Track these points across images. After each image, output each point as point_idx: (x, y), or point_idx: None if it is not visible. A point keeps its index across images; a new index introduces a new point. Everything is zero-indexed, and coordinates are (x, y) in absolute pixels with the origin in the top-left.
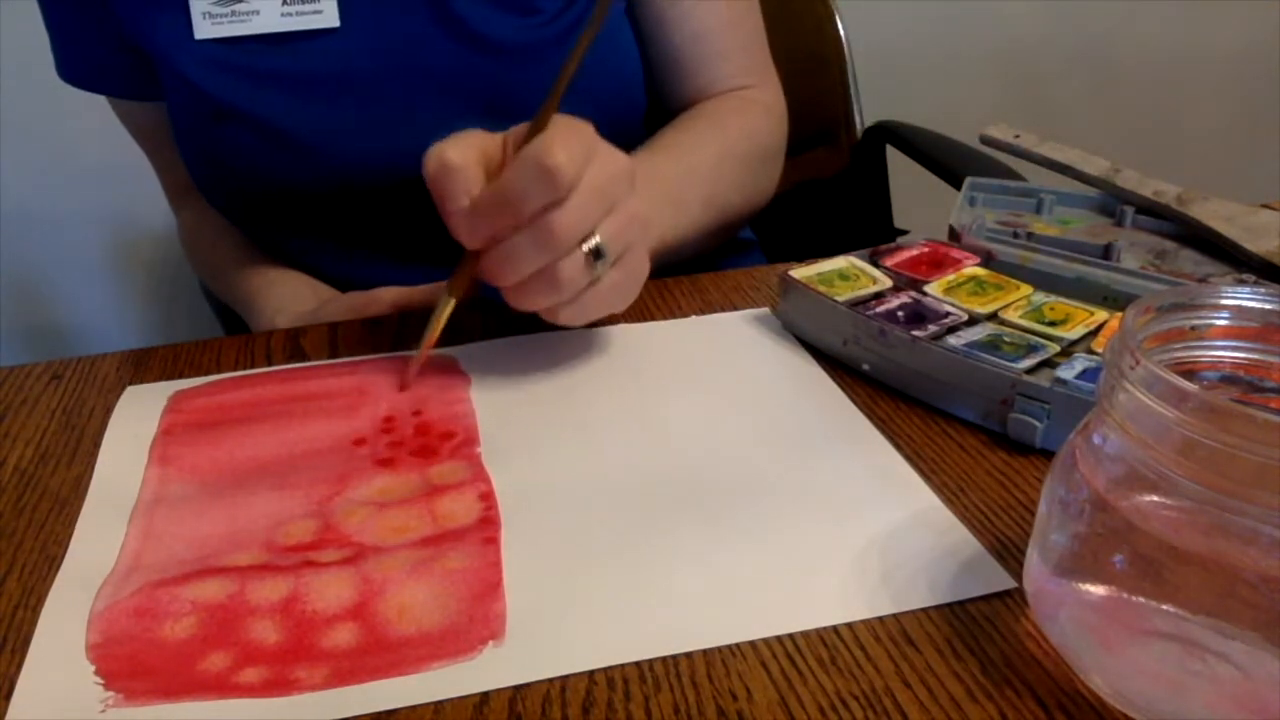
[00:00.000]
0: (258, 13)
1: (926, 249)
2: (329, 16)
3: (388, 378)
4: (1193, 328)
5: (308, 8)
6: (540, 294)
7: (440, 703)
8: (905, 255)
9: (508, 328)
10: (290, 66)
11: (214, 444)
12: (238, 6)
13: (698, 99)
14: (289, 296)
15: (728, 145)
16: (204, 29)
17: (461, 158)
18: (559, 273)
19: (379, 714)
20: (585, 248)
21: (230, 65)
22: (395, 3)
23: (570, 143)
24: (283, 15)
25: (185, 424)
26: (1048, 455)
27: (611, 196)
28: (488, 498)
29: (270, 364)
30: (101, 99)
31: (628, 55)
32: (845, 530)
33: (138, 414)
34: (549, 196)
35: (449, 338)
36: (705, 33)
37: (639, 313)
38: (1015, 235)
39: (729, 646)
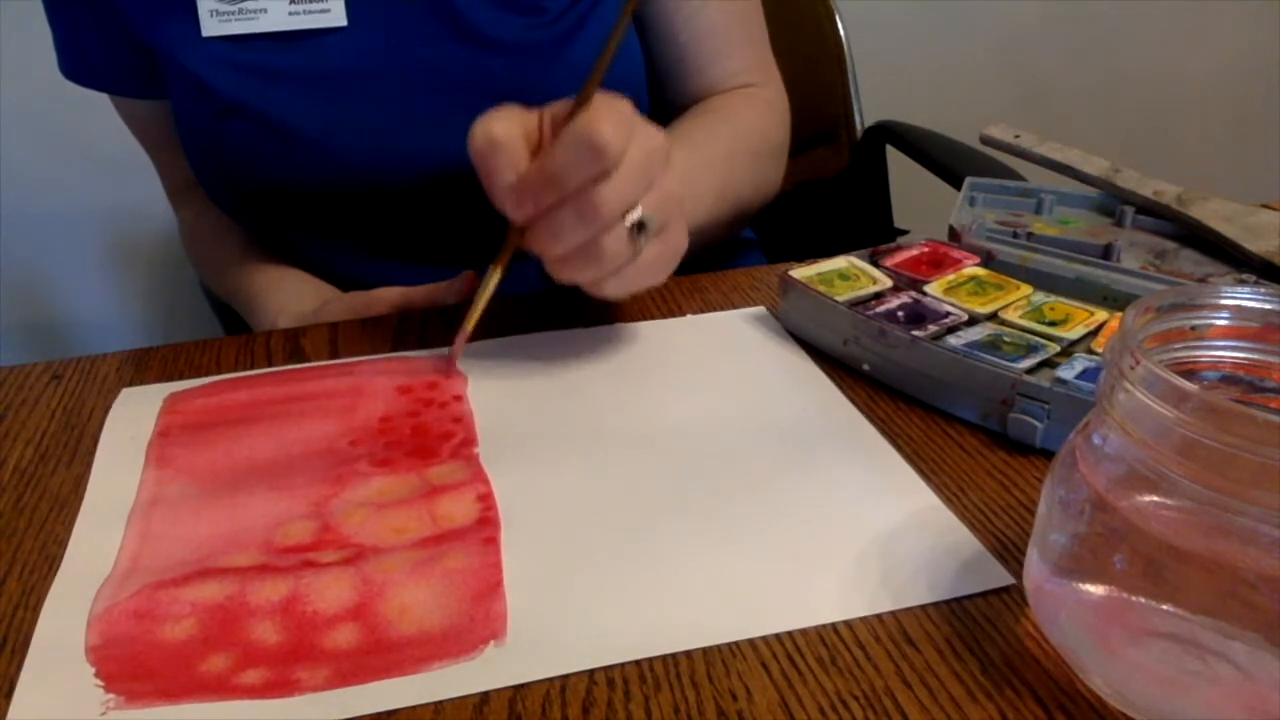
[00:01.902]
0: (265, 11)
1: (926, 249)
2: (336, 15)
3: (386, 378)
4: (1193, 328)
5: (315, 6)
6: (584, 267)
7: (440, 703)
8: (905, 255)
9: (506, 328)
10: (297, 65)
11: (211, 445)
12: (245, 4)
13: (702, 97)
14: (290, 297)
15: (737, 139)
16: (211, 26)
17: (507, 133)
18: (603, 246)
19: (380, 714)
20: (628, 221)
21: (237, 63)
22: (402, 2)
23: (615, 119)
24: (290, 14)
25: (182, 425)
26: (1048, 455)
27: (652, 172)
28: (486, 498)
29: (270, 364)
30: (103, 96)
31: (632, 56)
32: (845, 530)
33: (134, 416)
34: (594, 171)
35: (447, 338)
36: (711, 30)
37: (639, 312)
38: (1015, 235)
39: (729, 646)
